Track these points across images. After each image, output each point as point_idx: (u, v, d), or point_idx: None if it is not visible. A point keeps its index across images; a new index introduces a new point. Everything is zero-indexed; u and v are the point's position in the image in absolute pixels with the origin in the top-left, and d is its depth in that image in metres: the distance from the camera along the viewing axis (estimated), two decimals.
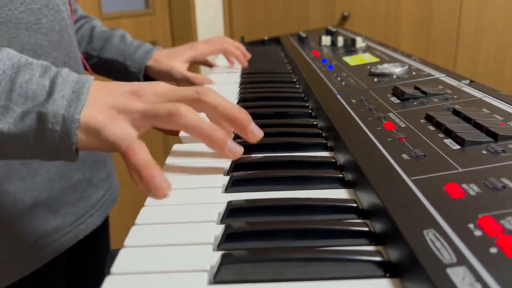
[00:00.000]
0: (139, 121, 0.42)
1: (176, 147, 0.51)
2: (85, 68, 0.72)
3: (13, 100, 0.38)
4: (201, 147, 0.48)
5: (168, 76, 0.82)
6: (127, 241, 0.32)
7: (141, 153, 0.41)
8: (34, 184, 0.56)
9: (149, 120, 0.42)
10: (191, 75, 0.83)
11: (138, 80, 0.81)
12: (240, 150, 0.44)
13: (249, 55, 0.94)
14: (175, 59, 0.83)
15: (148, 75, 0.84)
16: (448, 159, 0.36)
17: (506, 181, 0.31)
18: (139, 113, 0.42)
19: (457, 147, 0.38)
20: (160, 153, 1.76)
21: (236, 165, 0.44)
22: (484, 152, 0.36)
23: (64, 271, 0.67)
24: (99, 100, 0.42)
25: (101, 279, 0.29)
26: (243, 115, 0.44)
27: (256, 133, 0.44)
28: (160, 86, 0.44)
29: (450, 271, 0.23)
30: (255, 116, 0.57)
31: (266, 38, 1.30)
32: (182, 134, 0.54)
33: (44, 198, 0.57)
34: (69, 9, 0.64)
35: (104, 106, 0.41)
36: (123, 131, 0.41)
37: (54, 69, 0.42)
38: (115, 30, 0.84)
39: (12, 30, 0.52)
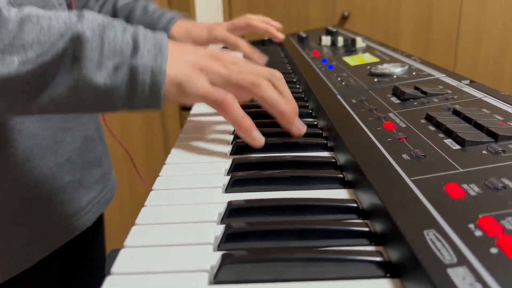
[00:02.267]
0: (218, 84, 0.46)
1: (177, 145, 0.51)
2: None
3: (105, 55, 0.42)
4: (200, 145, 0.48)
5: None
6: (127, 241, 0.32)
7: (237, 106, 0.46)
8: (26, 185, 0.56)
9: (228, 86, 0.47)
10: (228, 36, 0.81)
11: None
12: (303, 126, 0.49)
13: (279, 26, 0.90)
14: (190, 36, 0.81)
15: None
16: (449, 159, 0.36)
17: (507, 181, 0.31)
18: (220, 76, 0.46)
19: (458, 147, 0.38)
20: (160, 153, 1.76)
21: (236, 165, 0.44)
22: (484, 152, 0.36)
23: (58, 270, 0.67)
24: (181, 56, 0.46)
25: (97, 279, 0.29)
26: (295, 110, 0.50)
27: (300, 128, 0.50)
28: (238, 58, 0.49)
29: (450, 271, 0.23)
30: (255, 116, 0.57)
31: (266, 38, 1.30)
32: (181, 134, 0.54)
33: (35, 198, 0.57)
34: (64, 4, 0.64)
35: (188, 63, 0.46)
36: (210, 86, 0.46)
37: (130, 27, 0.45)
38: (137, 2, 0.83)
39: None
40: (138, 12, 0.80)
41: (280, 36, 0.89)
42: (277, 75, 0.50)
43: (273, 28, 0.89)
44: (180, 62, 0.45)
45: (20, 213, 0.56)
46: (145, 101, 0.44)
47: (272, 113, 0.48)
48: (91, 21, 0.42)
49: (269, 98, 0.47)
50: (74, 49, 0.41)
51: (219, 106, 0.45)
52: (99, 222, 0.79)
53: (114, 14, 0.81)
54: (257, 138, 0.47)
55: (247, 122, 0.46)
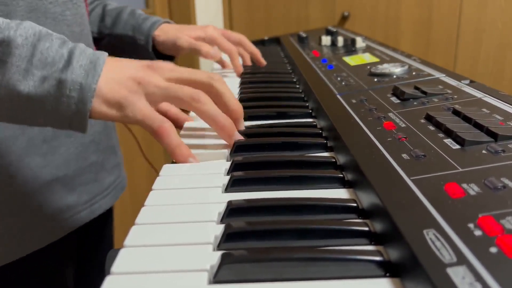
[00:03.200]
0: (157, 97, 0.45)
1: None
2: None
3: (34, 64, 0.41)
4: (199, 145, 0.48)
5: (174, 47, 0.80)
6: (127, 241, 0.32)
7: (174, 133, 0.45)
8: (53, 161, 0.59)
9: (168, 99, 0.46)
10: (197, 43, 0.80)
11: (147, 53, 0.80)
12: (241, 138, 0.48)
13: (264, 62, 0.89)
14: (183, 33, 0.81)
15: (157, 49, 0.82)
16: (448, 159, 0.36)
17: (506, 181, 0.31)
18: (159, 89, 0.45)
19: (457, 147, 0.38)
20: (160, 153, 1.76)
21: (236, 165, 0.44)
22: (484, 152, 0.36)
23: (73, 257, 0.70)
24: (117, 73, 0.45)
25: (103, 272, 0.29)
26: (240, 111, 0.50)
27: (234, 134, 0.49)
28: (175, 65, 0.48)
29: (450, 271, 0.23)
30: (255, 117, 0.58)
31: (266, 38, 1.30)
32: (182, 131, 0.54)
33: (61, 176, 0.60)
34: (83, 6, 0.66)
35: (123, 78, 0.44)
36: (149, 109, 0.44)
37: (71, 43, 0.44)
38: (126, 7, 0.84)
39: (41, 19, 0.55)
40: (125, 14, 0.82)
41: (240, 71, 0.86)
42: (218, 78, 0.49)
43: (239, 65, 0.86)
44: (116, 79, 0.44)
45: (46, 187, 0.58)
46: (68, 119, 0.43)
47: (211, 127, 0.48)
48: (27, 29, 0.42)
49: (208, 112, 0.46)
50: (1, 53, 0.40)
51: (155, 133, 0.44)
52: (109, 213, 0.82)
53: (103, 16, 0.82)
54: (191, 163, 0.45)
55: (183, 150, 0.45)
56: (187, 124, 0.59)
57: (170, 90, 0.45)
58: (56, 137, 0.59)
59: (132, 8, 0.84)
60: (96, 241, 0.79)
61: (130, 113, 0.43)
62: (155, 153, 1.73)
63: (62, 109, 0.42)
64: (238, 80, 0.83)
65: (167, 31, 0.80)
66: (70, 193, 0.61)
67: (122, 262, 0.30)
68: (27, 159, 0.56)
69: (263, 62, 0.90)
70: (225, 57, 0.89)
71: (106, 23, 0.82)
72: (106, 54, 0.45)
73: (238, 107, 0.50)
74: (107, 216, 0.79)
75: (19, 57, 0.41)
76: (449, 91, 0.52)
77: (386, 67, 0.66)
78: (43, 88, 0.41)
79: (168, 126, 0.44)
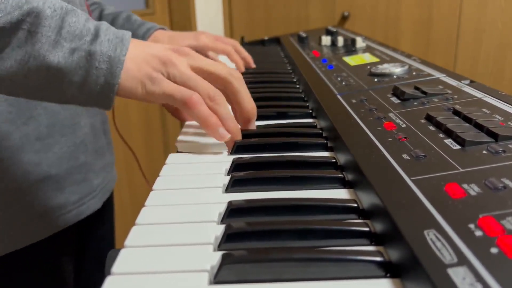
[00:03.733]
0: (176, 81, 0.46)
1: (177, 144, 0.51)
2: None
3: (63, 36, 0.41)
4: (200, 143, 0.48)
5: None
6: (127, 241, 0.32)
7: (203, 104, 0.45)
8: (46, 159, 0.59)
9: (186, 86, 0.46)
10: None
11: None
12: (227, 134, 0.48)
13: (254, 66, 0.90)
14: (174, 42, 0.81)
15: None
16: (449, 159, 0.36)
17: (507, 181, 0.31)
18: (181, 74, 0.46)
19: (458, 147, 0.38)
20: (160, 153, 1.76)
21: (237, 165, 0.44)
22: (484, 152, 0.36)
23: (71, 252, 0.70)
24: (143, 51, 0.45)
25: (103, 270, 0.29)
26: (253, 112, 0.51)
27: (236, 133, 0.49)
28: (198, 54, 0.49)
29: (450, 271, 0.23)
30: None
31: (266, 38, 1.30)
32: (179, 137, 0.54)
33: (53, 174, 0.60)
34: (86, 10, 0.66)
35: (149, 56, 0.45)
36: (174, 84, 0.45)
37: (94, 20, 0.45)
38: (123, 12, 0.84)
39: None
40: (121, 19, 0.82)
41: (242, 68, 0.86)
42: (236, 74, 0.50)
43: (242, 65, 0.86)
44: (141, 57, 0.45)
45: (37, 185, 0.58)
46: (96, 93, 0.43)
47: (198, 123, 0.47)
48: (54, 2, 0.42)
49: (220, 114, 0.47)
50: (30, 24, 0.40)
51: (186, 105, 0.45)
52: (109, 210, 0.82)
53: (99, 20, 0.81)
54: (223, 135, 0.47)
55: (213, 120, 0.46)
56: (188, 123, 0.59)
57: (191, 80, 0.46)
58: (50, 135, 0.59)
59: (128, 13, 0.84)
60: (95, 239, 0.79)
61: (157, 88, 0.44)
62: (156, 152, 1.73)
63: (91, 81, 0.42)
64: None
65: (159, 39, 0.81)
66: (60, 192, 0.62)
67: (123, 262, 0.30)
68: (21, 156, 0.57)
69: (253, 67, 0.90)
70: (222, 57, 0.89)
71: None
72: (130, 32, 0.46)
73: (251, 108, 0.50)
74: (105, 213, 0.79)
75: (48, 27, 0.40)
76: (449, 91, 0.52)
77: (386, 67, 0.66)
78: (72, 60, 0.41)
79: (198, 97, 0.45)
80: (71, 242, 0.69)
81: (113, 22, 0.81)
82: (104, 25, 0.44)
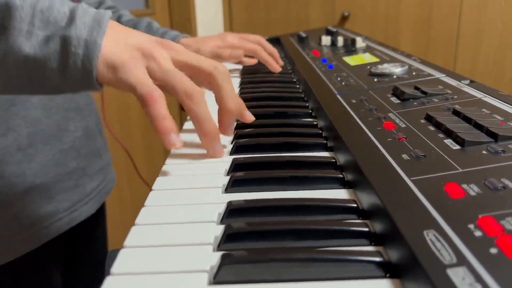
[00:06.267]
0: (155, 75, 0.43)
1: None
2: None
3: (35, 25, 0.39)
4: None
5: None
6: (127, 242, 0.32)
7: (162, 104, 0.42)
8: (29, 169, 0.58)
9: (164, 82, 0.44)
10: (218, 50, 0.79)
11: None
12: (221, 151, 0.47)
13: (281, 62, 0.88)
14: (203, 44, 0.80)
15: None
16: (448, 159, 0.36)
17: (506, 182, 0.31)
18: (161, 68, 0.43)
19: (457, 147, 0.38)
20: (160, 153, 1.76)
21: (236, 165, 0.44)
22: (484, 152, 0.36)
23: (60, 259, 0.68)
24: (123, 38, 0.43)
25: (97, 273, 0.29)
26: (234, 111, 0.48)
27: (219, 151, 0.47)
28: (184, 48, 0.47)
29: (450, 272, 0.23)
30: (255, 116, 0.57)
31: (266, 38, 1.30)
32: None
33: (38, 183, 0.59)
34: None
35: (129, 45, 0.43)
36: (145, 76, 0.42)
37: (71, 3, 0.43)
38: (142, 19, 0.82)
39: None
40: (142, 27, 0.80)
41: (276, 69, 0.85)
42: (221, 68, 0.47)
43: (274, 62, 0.85)
44: (120, 43, 0.43)
45: (23, 196, 0.57)
46: (77, 77, 0.41)
47: (195, 128, 0.46)
48: None
49: (197, 114, 0.44)
50: (1, 18, 0.38)
51: (143, 100, 0.42)
52: (100, 213, 0.81)
53: None
54: (174, 142, 0.42)
55: (167, 123, 0.42)
56: (186, 125, 0.59)
57: (169, 75, 0.44)
58: (32, 144, 0.58)
59: (148, 21, 0.82)
60: (86, 243, 0.78)
61: (124, 75, 0.42)
62: (156, 152, 1.73)
63: (70, 67, 0.40)
64: (238, 80, 0.83)
65: (188, 45, 0.80)
66: (49, 201, 0.60)
67: (122, 262, 0.30)
68: (2, 168, 0.55)
69: (281, 63, 0.88)
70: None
71: None
72: (110, 12, 0.44)
73: (233, 105, 0.47)
74: (97, 217, 0.78)
75: (20, 19, 0.39)
76: (449, 91, 0.52)
77: (386, 67, 0.66)
78: (48, 48, 0.40)
79: (159, 95, 0.42)
80: (61, 249, 0.68)
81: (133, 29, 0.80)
82: (80, 7, 0.42)
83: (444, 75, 0.60)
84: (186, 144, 0.52)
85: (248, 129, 0.53)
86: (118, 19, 0.81)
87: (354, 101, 0.55)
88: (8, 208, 0.56)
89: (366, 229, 0.32)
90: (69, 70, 0.40)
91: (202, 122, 0.44)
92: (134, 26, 0.80)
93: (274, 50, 0.88)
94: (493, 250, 0.24)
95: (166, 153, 0.55)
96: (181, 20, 1.80)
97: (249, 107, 0.55)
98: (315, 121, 0.57)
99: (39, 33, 0.39)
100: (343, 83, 0.64)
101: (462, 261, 0.24)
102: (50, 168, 0.60)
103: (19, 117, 0.56)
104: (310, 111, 0.61)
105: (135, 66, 0.42)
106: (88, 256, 0.78)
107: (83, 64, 0.40)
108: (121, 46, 0.42)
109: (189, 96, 0.43)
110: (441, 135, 0.41)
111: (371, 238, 0.32)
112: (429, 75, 0.61)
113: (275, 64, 0.84)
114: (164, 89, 0.44)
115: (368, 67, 0.71)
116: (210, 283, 0.28)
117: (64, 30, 0.40)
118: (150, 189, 0.41)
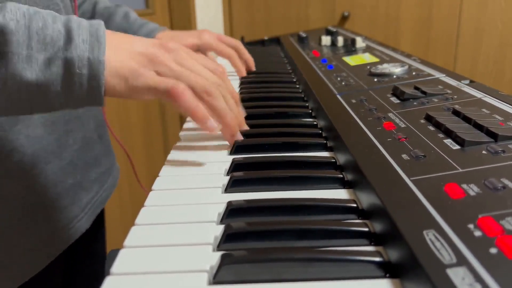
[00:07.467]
0: (167, 77, 0.44)
1: (176, 147, 0.51)
2: None
3: (34, 48, 0.38)
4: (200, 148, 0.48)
5: None
6: (127, 242, 0.32)
7: (190, 94, 0.43)
8: (33, 191, 0.54)
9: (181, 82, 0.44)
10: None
11: None
12: (216, 127, 0.47)
13: (253, 69, 0.88)
14: (177, 41, 0.78)
15: None
16: (448, 159, 0.36)
17: (506, 182, 0.31)
18: (171, 70, 0.44)
19: (457, 147, 0.38)
20: (160, 153, 1.76)
21: (236, 165, 0.44)
22: (484, 152, 0.36)
23: (60, 277, 0.66)
24: (124, 46, 0.43)
25: (97, 283, 0.29)
26: (234, 124, 0.49)
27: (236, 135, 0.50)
28: (188, 50, 0.48)
29: (450, 272, 0.23)
30: (255, 116, 0.58)
31: (266, 38, 1.30)
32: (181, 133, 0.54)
33: (39, 204, 0.56)
34: (69, 5, 0.63)
35: (133, 53, 0.43)
36: (158, 75, 0.43)
37: (61, 16, 0.42)
38: (119, 7, 0.80)
39: None
40: (118, 17, 0.78)
41: (243, 73, 0.84)
42: (221, 69, 0.50)
43: (242, 68, 0.84)
44: (124, 52, 0.42)
45: (25, 219, 0.54)
46: (84, 97, 0.41)
47: (218, 122, 0.47)
48: (14, 12, 0.38)
49: (219, 108, 0.46)
50: None
51: (170, 96, 0.42)
52: (99, 223, 0.78)
53: (93, 15, 0.77)
54: (213, 127, 0.45)
55: (202, 111, 0.44)
56: (186, 125, 0.59)
57: (183, 76, 0.44)
58: (35, 165, 0.54)
59: (125, 10, 0.79)
60: (86, 243, 0.74)
61: (137, 82, 0.42)
62: (156, 152, 1.73)
63: (75, 88, 0.40)
64: (238, 80, 0.83)
65: (168, 36, 0.78)
66: (47, 221, 0.56)
67: (122, 262, 0.30)
68: (3, 190, 0.52)
69: (254, 70, 0.88)
70: (220, 60, 0.87)
71: None
72: (102, 22, 0.43)
73: (230, 123, 0.48)
74: (96, 227, 0.75)
75: (17, 43, 0.37)
76: (449, 91, 0.52)
77: (386, 67, 0.66)
78: (50, 72, 0.39)
79: (184, 86, 0.43)
80: (58, 274, 0.64)
81: (109, 19, 0.77)
82: (74, 21, 0.41)
83: (444, 75, 0.60)
84: (186, 144, 0.52)
85: (248, 129, 0.53)
86: (94, 6, 0.78)
87: (354, 101, 0.55)
88: (7, 234, 0.53)
89: (366, 229, 0.32)
90: (74, 90, 0.40)
91: (224, 116, 0.47)
92: (110, 15, 0.77)
93: (249, 57, 0.86)
94: (493, 250, 0.24)
95: (166, 153, 0.55)
96: (181, 20, 1.80)
97: (249, 107, 0.55)
98: (315, 121, 0.57)
99: (38, 57, 0.38)
100: (343, 83, 0.64)
101: (462, 261, 0.24)
102: (50, 188, 0.57)
103: (23, 136, 0.52)
104: (310, 111, 0.61)
105: (145, 70, 0.43)
106: (88, 256, 0.78)
107: (89, 84, 0.40)
108: (126, 55, 0.42)
109: (208, 93, 0.45)
110: (441, 135, 0.41)
111: (371, 238, 0.32)
112: (429, 75, 0.61)
113: (244, 71, 0.83)
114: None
115: (368, 67, 0.71)
116: (210, 283, 0.28)
117: (65, 51, 0.39)
118: (149, 190, 0.41)
